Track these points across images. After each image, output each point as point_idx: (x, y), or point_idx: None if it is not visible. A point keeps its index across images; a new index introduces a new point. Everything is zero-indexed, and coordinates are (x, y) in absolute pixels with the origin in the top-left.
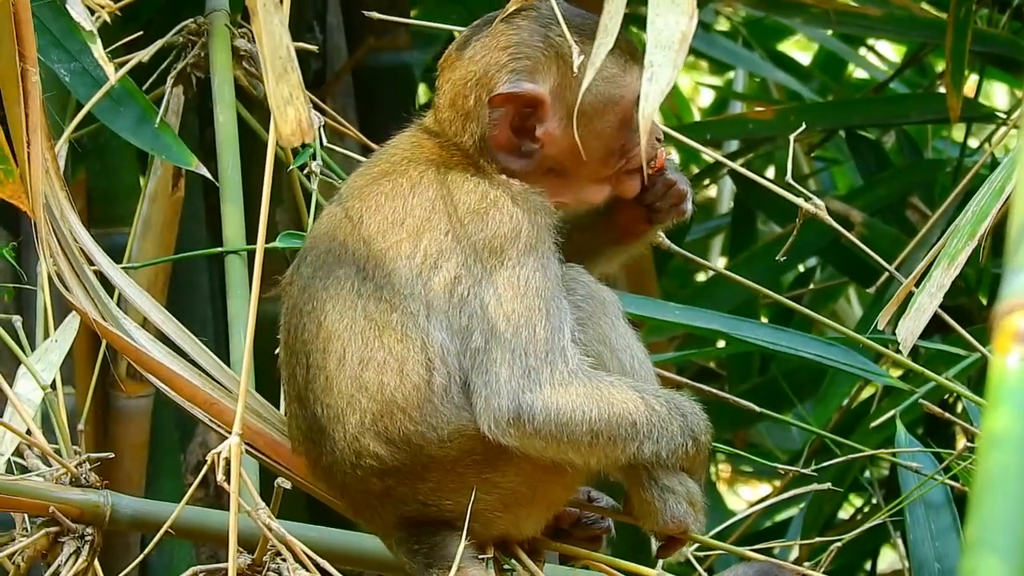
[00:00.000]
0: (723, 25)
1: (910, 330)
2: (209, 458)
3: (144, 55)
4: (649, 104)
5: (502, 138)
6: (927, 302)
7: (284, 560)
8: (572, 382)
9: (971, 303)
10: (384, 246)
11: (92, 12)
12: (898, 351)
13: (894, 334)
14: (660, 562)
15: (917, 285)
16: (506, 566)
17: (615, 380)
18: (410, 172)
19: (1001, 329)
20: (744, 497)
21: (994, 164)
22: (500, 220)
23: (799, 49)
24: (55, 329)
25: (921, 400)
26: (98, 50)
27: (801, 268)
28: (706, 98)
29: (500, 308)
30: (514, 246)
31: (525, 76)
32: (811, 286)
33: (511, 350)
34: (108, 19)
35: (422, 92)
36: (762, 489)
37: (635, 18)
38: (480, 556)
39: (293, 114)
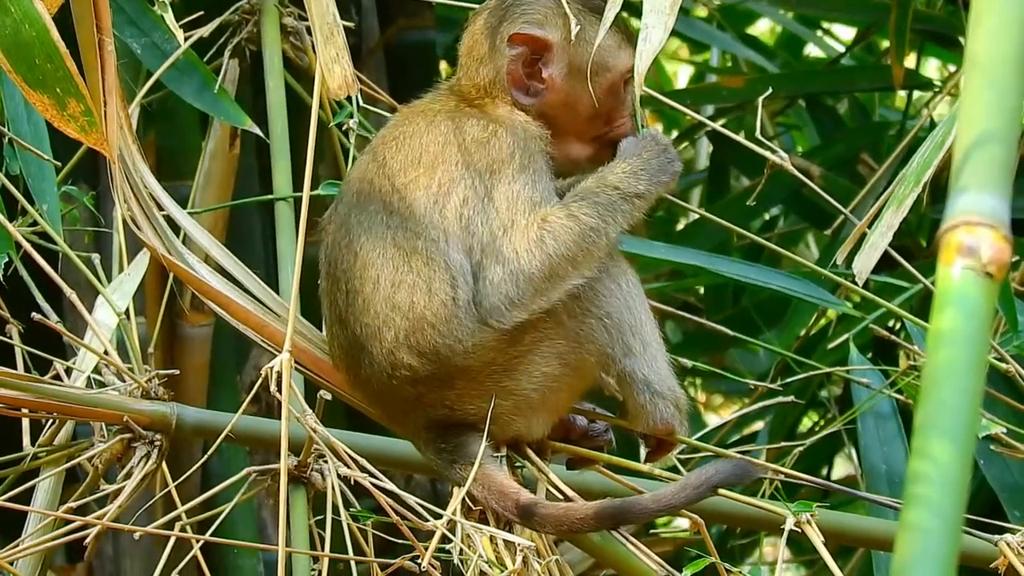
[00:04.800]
0: (701, 12)
1: (864, 264)
2: (263, 371)
3: (205, 31)
4: (643, 61)
5: (516, 74)
6: (879, 241)
7: (327, 461)
8: (542, 243)
9: (913, 244)
10: (405, 181)
11: None
12: (853, 282)
13: (849, 269)
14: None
15: (869, 227)
16: (517, 463)
17: (562, 212)
18: (426, 116)
19: (946, 243)
20: (719, 418)
21: (932, 126)
22: (499, 146)
23: (765, 37)
24: (129, 265)
25: (871, 325)
26: (169, 18)
27: (767, 216)
28: (684, 81)
29: (496, 219)
30: (509, 166)
31: (537, 25)
32: (776, 231)
33: (500, 251)
34: None
35: (444, 68)
36: (734, 411)
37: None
38: (496, 454)
39: (339, 71)
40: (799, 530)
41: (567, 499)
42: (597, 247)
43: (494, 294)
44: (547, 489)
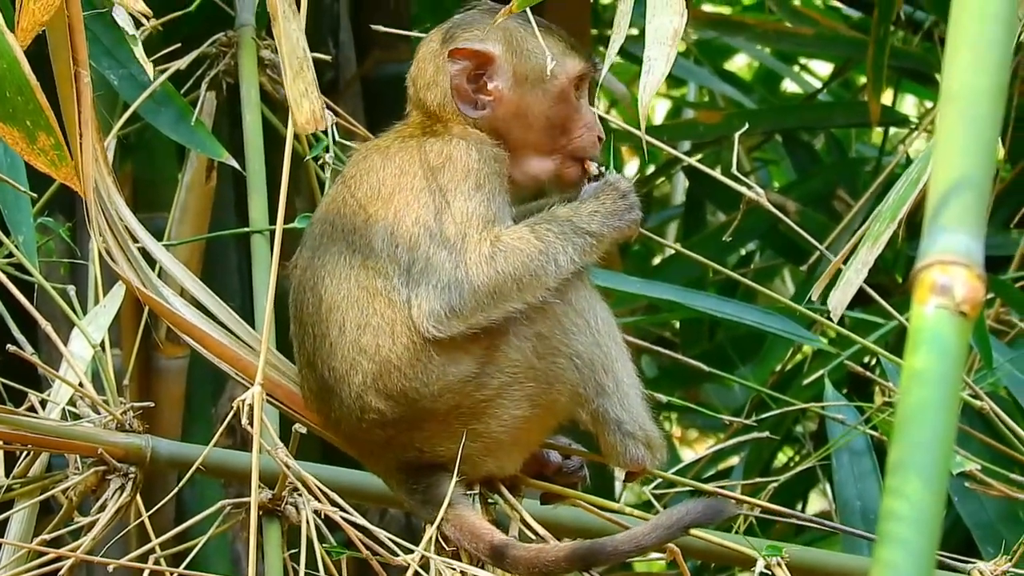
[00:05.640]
0: (678, 46)
1: (839, 300)
2: (235, 404)
3: (182, 63)
4: (646, 93)
5: (461, 88)
6: (854, 277)
7: (300, 495)
8: (492, 259)
9: (889, 280)
10: (364, 218)
11: (138, 25)
12: (828, 319)
13: (824, 305)
14: (623, 497)
15: (845, 263)
16: (490, 500)
17: (515, 234)
18: (381, 149)
19: (920, 282)
20: (694, 452)
21: (908, 162)
22: (453, 167)
23: (742, 72)
24: (104, 297)
25: (846, 361)
26: (139, 51)
27: (743, 252)
28: (660, 115)
29: (449, 229)
30: (464, 184)
31: (477, 40)
32: (752, 267)
33: (449, 259)
34: (152, 27)
35: None
36: (709, 445)
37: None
38: (468, 493)
39: (308, 106)
40: (770, 573)
41: (539, 537)
42: (545, 273)
43: (437, 299)
44: (519, 527)
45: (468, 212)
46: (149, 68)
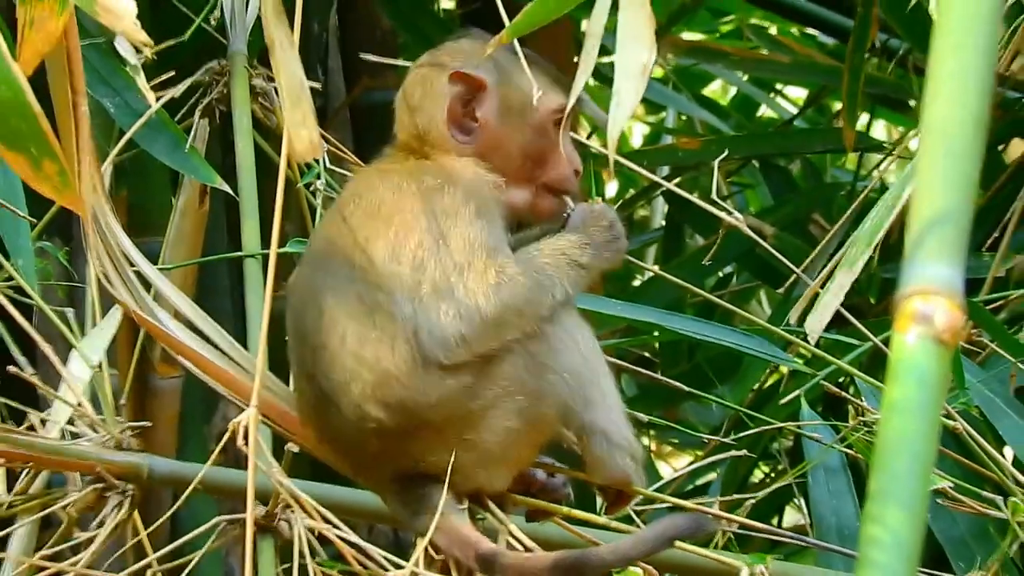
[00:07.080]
0: (656, 73)
1: (816, 324)
2: (231, 426)
3: (176, 91)
4: (615, 127)
5: (454, 111)
6: (831, 301)
7: (293, 511)
8: (498, 290)
9: (863, 302)
10: (365, 235)
11: (137, 51)
12: (805, 340)
13: (801, 327)
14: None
15: (822, 286)
16: (479, 515)
17: (518, 266)
18: (380, 171)
19: (901, 311)
20: (672, 468)
21: (883, 188)
22: (453, 192)
23: (719, 96)
24: (102, 319)
25: (822, 381)
26: (141, 80)
27: (720, 274)
28: (638, 138)
29: (450, 259)
30: (465, 210)
31: (472, 66)
32: (729, 289)
33: (451, 289)
34: (149, 56)
35: None
36: (685, 460)
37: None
38: (459, 506)
39: (305, 134)
40: None
41: (527, 550)
42: (543, 305)
43: (448, 326)
44: (507, 540)
45: (471, 239)
46: (151, 96)
